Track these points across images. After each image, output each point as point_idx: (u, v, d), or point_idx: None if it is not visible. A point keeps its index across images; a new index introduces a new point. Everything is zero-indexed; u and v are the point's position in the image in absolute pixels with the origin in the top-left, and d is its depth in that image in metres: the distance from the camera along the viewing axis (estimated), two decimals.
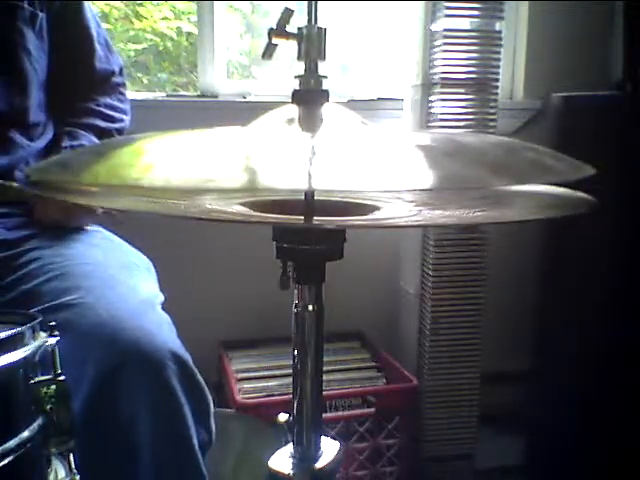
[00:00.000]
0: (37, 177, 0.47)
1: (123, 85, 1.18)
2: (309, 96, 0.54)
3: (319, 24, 0.53)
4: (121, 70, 1.17)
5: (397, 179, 0.39)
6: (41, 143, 1.03)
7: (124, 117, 1.14)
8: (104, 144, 0.66)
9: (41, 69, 1.01)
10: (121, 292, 0.85)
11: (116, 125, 1.11)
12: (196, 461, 0.81)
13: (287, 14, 0.54)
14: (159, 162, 0.43)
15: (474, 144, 0.49)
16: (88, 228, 1.06)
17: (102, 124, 1.09)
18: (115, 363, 0.75)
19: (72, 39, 1.07)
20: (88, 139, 1.05)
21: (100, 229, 1.08)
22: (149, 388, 0.76)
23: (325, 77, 0.54)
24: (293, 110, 0.54)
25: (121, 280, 0.89)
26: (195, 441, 0.81)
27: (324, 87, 0.55)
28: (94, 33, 1.10)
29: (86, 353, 0.74)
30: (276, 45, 0.54)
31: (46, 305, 0.81)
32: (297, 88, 0.54)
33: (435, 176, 0.40)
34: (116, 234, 1.08)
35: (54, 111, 1.06)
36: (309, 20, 0.53)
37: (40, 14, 0.99)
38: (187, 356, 0.81)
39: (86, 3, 1.09)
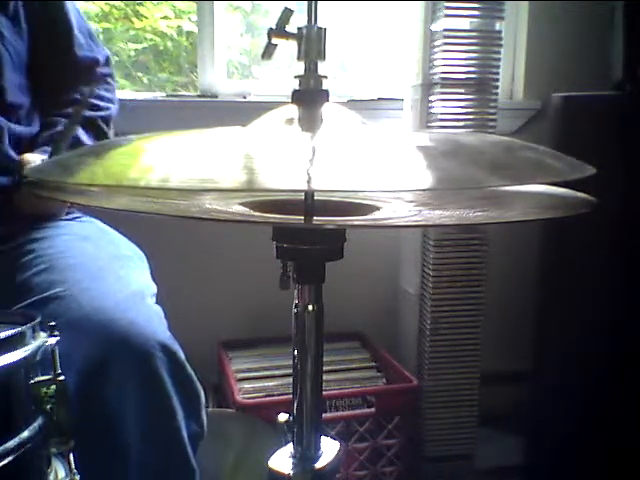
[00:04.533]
0: (35, 177, 0.47)
1: (110, 75, 1.17)
2: (309, 96, 0.54)
3: (319, 24, 0.53)
4: (107, 60, 1.16)
5: (396, 179, 0.39)
6: (33, 129, 1.03)
7: (110, 105, 1.13)
8: (102, 145, 0.66)
9: (16, 52, 1.00)
10: (110, 283, 0.85)
11: (101, 113, 1.10)
12: (185, 453, 0.81)
13: (287, 14, 0.54)
14: (157, 163, 0.43)
15: (473, 144, 0.49)
16: (81, 218, 1.06)
17: (86, 113, 1.07)
18: (103, 355, 0.75)
19: (50, 25, 1.06)
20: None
21: (93, 220, 1.08)
22: (137, 379, 0.76)
23: (325, 77, 0.54)
24: (293, 110, 0.54)
25: (111, 271, 0.89)
26: (184, 433, 0.80)
27: (324, 87, 0.54)
28: (73, 20, 1.09)
29: (73, 346, 0.73)
30: (276, 45, 0.54)
31: (34, 298, 0.81)
32: (297, 88, 0.54)
33: (433, 176, 0.40)
34: (111, 226, 1.07)
35: (40, 99, 1.05)
36: (309, 20, 0.53)
37: (12, 1, 0.99)
38: (177, 347, 0.81)
39: None
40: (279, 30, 0.53)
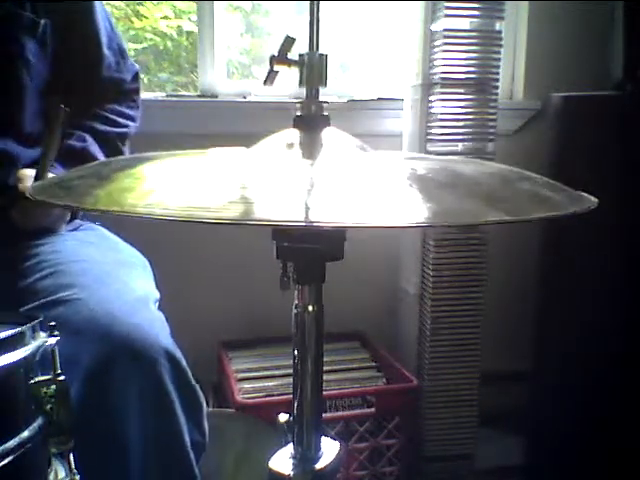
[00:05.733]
0: (39, 197, 0.47)
1: (136, 92, 1.14)
2: (310, 122, 0.55)
3: (320, 50, 0.54)
4: (135, 76, 1.14)
5: (393, 213, 0.40)
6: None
7: (129, 123, 1.11)
8: (104, 165, 0.65)
9: (40, 78, 0.98)
10: (115, 289, 0.85)
11: (118, 130, 1.08)
12: (187, 459, 0.81)
13: (289, 42, 0.54)
14: (158, 187, 0.44)
15: (470, 174, 0.49)
16: (84, 225, 1.06)
17: (101, 127, 1.06)
18: (107, 359, 0.75)
19: (78, 45, 1.03)
20: (81, 139, 1.03)
21: (96, 226, 1.08)
22: (141, 384, 0.76)
23: (326, 102, 0.55)
24: (294, 135, 0.55)
25: (116, 277, 0.89)
26: (187, 438, 0.80)
27: (325, 112, 0.56)
28: (103, 39, 1.05)
29: (79, 349, 0.74)
30: (277, 72, 0.55)
31: (41, 301, 0.81)
32: (299, 113, 0.55)
33: (431, 210, 0.40)
34: (114, 232, 1.07)
35: None
36: (310, 46, 0.54)
37: (42, 21, 0.96)
38: (180, 355, 0.81)
39: (98, 6, 1.05)
40: (281, 57, 0.54)
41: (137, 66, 1.15)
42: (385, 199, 0.42)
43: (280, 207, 0.40)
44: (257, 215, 0.39)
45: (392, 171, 0.50)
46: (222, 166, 0.50)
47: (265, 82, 0.57)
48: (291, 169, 0.48)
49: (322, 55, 0.54)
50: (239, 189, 0.43)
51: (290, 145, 0.54)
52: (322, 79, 0.54)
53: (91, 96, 1.07)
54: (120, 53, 1.10)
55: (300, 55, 0.54)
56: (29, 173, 0.92)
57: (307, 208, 0.39)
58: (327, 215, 0.39)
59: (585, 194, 0.47)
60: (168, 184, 0.45)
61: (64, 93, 1.00)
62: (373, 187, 0.45)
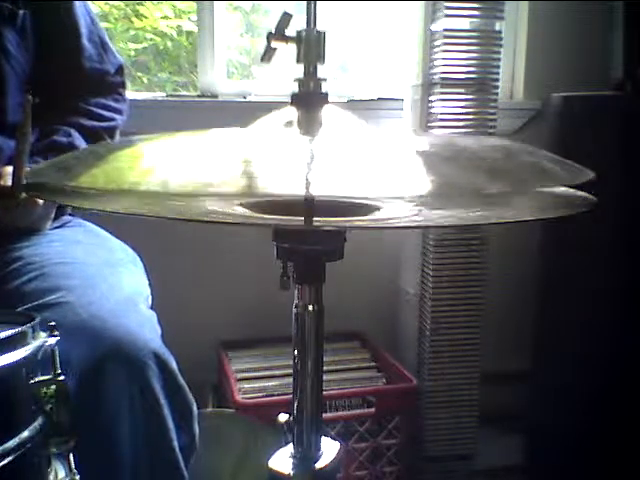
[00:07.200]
0: (34, 179, 0.46)
1: (121, 85, 1.14)
2: (308, 99, 0.54)
3: (318, 27, 0.53)
4: (119, 70, 1.13)
5: (395, 185, 0.39)
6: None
7: (116, 116, 1.10)
8: (103, 146, 0.65)
9: (21, 68, 0.98)
10: (103, 290, 0.85)
11: (104, 124, 1.07)
12: (176, 462, 0.80)
13: (286, 18, 0.54)
14: (158, 165, 0.43)
15: (472, 148, 0.49)
16: (72, 222, 1.04)
17: (87, 122, 1.05)
18: (96, 363, 0.75)
19: (57, 36, 1.03)
20: (67, 134, 1.02)
21: (85, 222, 1.06)
22: (130, 389, 0.76)
23: (324, 80, 0.54)
24: (292, 113, 0.54)
25: (103, 278, 0.88)
26: (175, 442, 0.80)
27: (323, 90, 0.55)
28: (83, 31, 1.05)
29: (68, 353, 0.73)
30: (275, 49, 0.55)
31: (28, 306, 0.80)
32: (296, 91, 0.54)
33: (433, 182, 0.40)
34: (106, 228, 1.06)
35: (42, 110, 1.04)
36: (308, 23, 0.53)
37: (21, 11, 0.96)
38: (169, 357, 0.81)
39: (76, 1, 1.05)
40: (278, 34, 0.54)
41: (121, 59, 1.14)
42: (388, 171, 0.41)
43: (283, 180, 0.39)
44: (260, 189, 0.38)
45: (394, 145, 0.49)
46: (221, 144, 0.49)
47: (262, 59, 0.56)
48: (292, 145, 0.48)
49: (320, 32, 0.53)
50: (241, 165, 0.42)
51: (289, 123, 0.53)
52: (320, 56, 0.53)
53: (74, 89, 1.06)
54: (102, 46, 1.09)
55: (298, 32, 0.53)
56: (9, 170, 0.91)
57: (307, 182, 0.38)
58: (329, 187, 0.38)
59: (585, 169, 0.46)
60: (167, 162, 0.44)
61: (47, 86, 0.99)
62: (376, 160, 0.44)
